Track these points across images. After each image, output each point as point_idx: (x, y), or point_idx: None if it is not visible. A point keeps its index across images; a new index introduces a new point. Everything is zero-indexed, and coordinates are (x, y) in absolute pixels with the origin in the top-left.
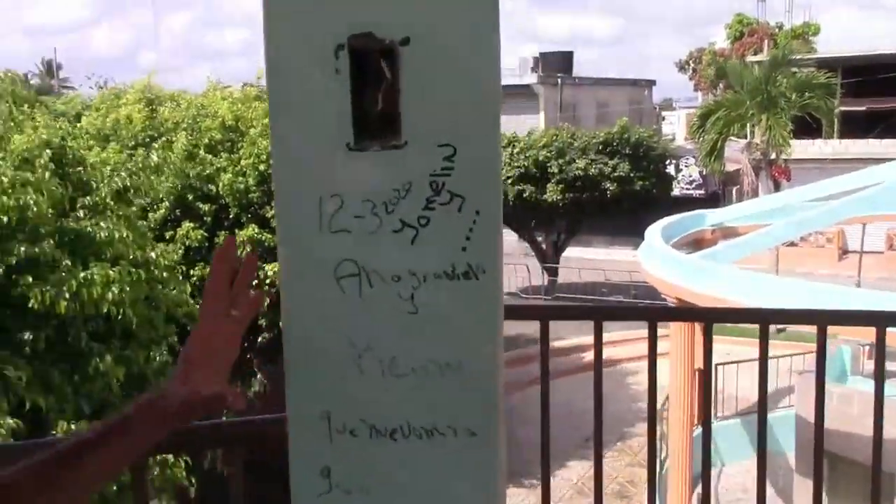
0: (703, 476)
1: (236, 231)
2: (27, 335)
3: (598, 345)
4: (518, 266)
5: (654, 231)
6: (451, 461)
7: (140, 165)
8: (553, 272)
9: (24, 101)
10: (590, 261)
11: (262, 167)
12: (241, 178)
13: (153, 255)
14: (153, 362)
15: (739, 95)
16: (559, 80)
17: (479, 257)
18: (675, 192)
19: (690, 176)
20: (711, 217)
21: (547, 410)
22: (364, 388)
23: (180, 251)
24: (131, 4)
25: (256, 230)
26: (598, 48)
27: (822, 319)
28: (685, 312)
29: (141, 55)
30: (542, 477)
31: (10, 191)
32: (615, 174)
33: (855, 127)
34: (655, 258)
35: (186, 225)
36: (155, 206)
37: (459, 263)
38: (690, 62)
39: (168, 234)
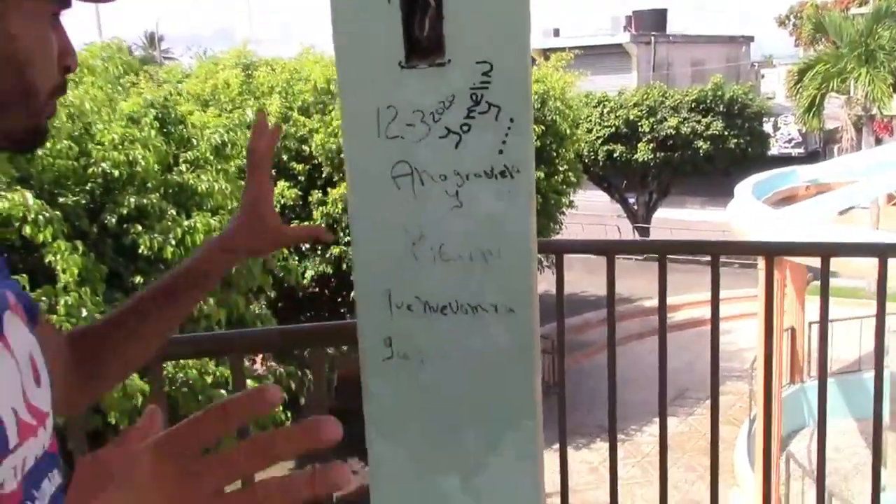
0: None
1: (329, 189)
2: (138, 279)
3: (611, 277)
4: (609, 227)
5: (744, 187)
6: (493, 333)
7: (236, 122)
8: (644, 233)
9: (129, 67)
10: (682, 221)
11: None
12: (333, 139)
13: None
14: (253, 308)
15: (839, 50)
16: (652, 39)
17: (513, 159)
18: (774, 150)
19: (790, 134)
20: (804, 173)
21: (613, 349)
22: (418, 270)
23: (276, 209)
24: None
25: None
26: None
27: (825, 250)
28: (692, 245)
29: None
30: (609, 417)
31: (119, 147)
32: (708, 133)
33: None
34: (745, 214)
35: (281, 184)
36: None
37: (497, 164)
38: (791, 17)
39: None
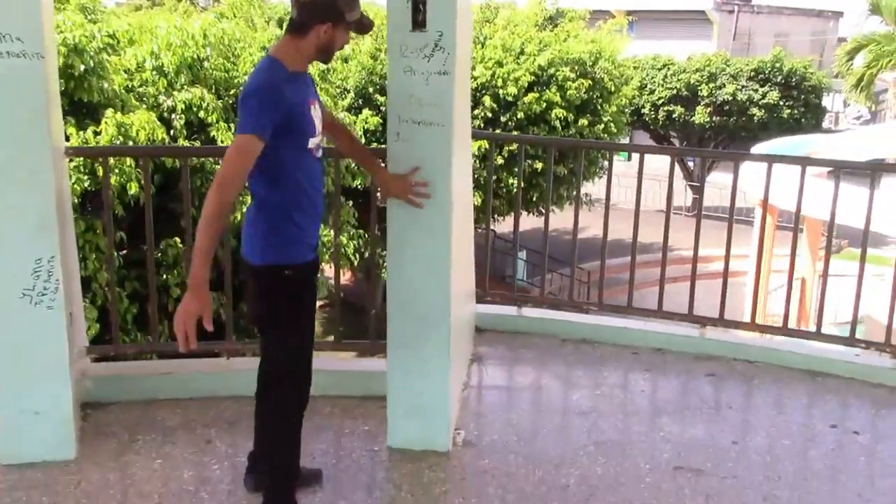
0: None
1: None
2: None
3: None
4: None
5: (760, 148)
6: None
7: (337, 56)
8: (696, 191)
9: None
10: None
11: None
12: None
13: (342, 114)
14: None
15: (892, 29)
16: (736, 7)
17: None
18: (841, 125)
19: (859, 111)
20: (822, 141)
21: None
22: None
23: (360, 134)
24: None
25: None
26: None
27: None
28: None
29: None
30: None
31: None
32: (763, 101)
33: None
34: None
35: (366, 112)
36: (343, 95)
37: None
38: None
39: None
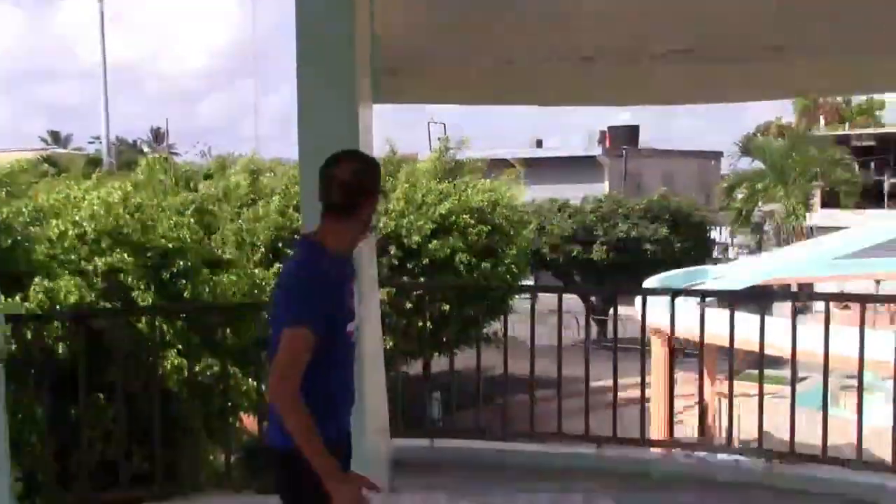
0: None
1: None
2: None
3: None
4: (570, 318)
5: (652, 282)
6: None
7: (249, 216)
8: (602, 325)
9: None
10: (631, 317)
11: None
12: None
13: (257, 271)
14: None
15: (764, 169)
16: (623, 152)
17: None
18: (731, 254)
19: (746, 242)
20: (713, 271)
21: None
22: None
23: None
24: (238, 78)
25: None
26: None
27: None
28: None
29: (242, 126)
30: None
31: (173, 229)
32: (655, 237)
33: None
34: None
35: (277, 265)
36: (254, 250)
37: None
38: (758, 135)
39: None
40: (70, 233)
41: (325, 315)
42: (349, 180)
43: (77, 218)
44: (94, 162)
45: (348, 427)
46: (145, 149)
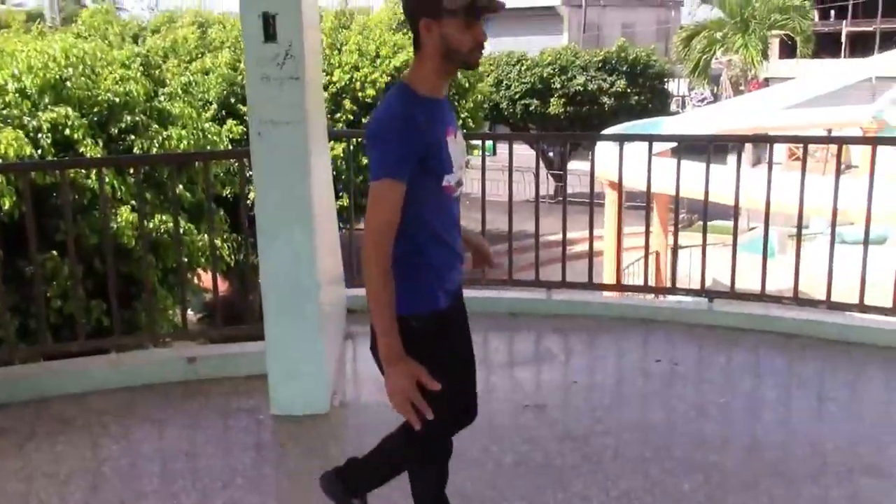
0: None
1: None
2: (131, 170)
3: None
4: (527, 174)
5: (609, 132)
6: None
7: (197, 67)
8: (559, 179)
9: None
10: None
11: None
12: None
13: (208, 125)
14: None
15: (720, 19)
16: (584, 2)
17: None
18: (688, 107)
19: (703, 94)
20: (668, 122)
21: None
22: None
23: (226, 140)
24: None
25: None
26: None
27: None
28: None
29: None
30: None
31: (119, 82)
32: (612, 90)
33: (836, 48)
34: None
35: (230, 122)
36: (206, 107)
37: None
38: None
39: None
40: (10, 87)
41: (411, 160)
42: (405, 3)
43: (15, 71)
44: (35, 17)
45: (455, 288)
46: (88, 2)
